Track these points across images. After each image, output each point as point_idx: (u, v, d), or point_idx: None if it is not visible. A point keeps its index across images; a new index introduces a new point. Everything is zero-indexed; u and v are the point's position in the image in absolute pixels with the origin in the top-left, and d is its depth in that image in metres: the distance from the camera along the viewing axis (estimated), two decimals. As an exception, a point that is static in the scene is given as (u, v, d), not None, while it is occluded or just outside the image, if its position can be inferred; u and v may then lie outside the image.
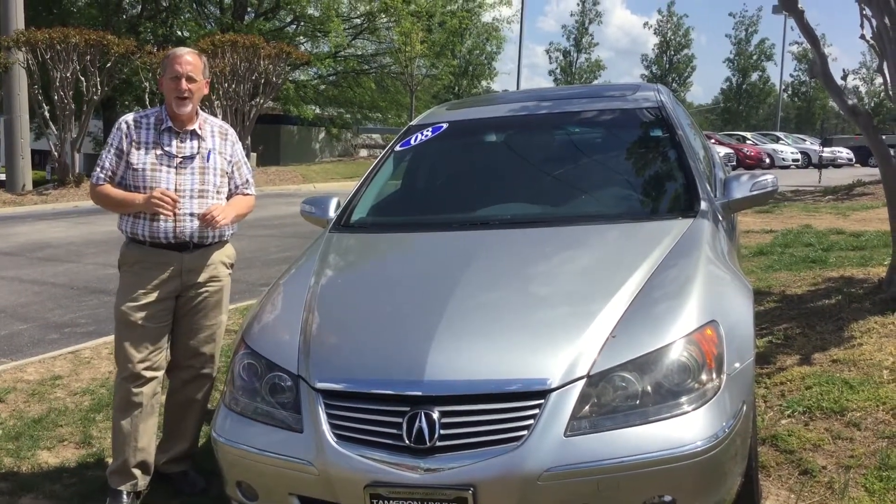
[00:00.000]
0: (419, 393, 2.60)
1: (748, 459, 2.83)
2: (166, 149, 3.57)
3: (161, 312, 3.61)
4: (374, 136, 40.61)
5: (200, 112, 3.72)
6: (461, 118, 4.87)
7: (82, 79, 19.54)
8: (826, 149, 32.10)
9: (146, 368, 3.59)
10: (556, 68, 59.40)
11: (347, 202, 4.27)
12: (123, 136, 3.58)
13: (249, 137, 22.95)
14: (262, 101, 23.50)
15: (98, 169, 3.59)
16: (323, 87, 35.61)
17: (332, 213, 4.25)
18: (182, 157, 3.60)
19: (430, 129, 4.56)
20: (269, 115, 30.84)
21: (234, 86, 21.70)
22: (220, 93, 21.31)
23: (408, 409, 2.59)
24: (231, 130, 3.83)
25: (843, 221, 11.06)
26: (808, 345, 4.94)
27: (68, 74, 19.13)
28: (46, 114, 19.70)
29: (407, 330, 2.92)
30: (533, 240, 3.59)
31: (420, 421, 2.55)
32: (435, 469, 2.51)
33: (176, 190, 3.56)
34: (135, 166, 3.54)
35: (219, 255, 3.73)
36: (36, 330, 6.73)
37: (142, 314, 3.55)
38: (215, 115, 3.52)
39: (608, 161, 4.34)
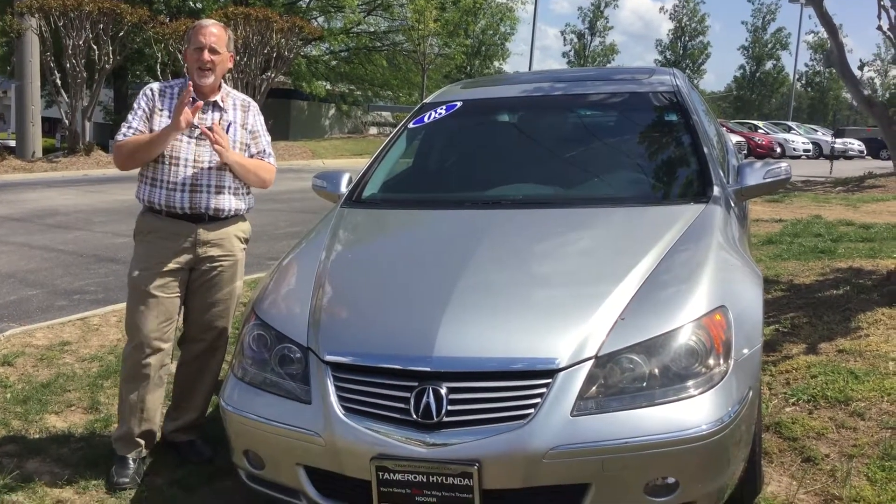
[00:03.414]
0: (428, 368, 2.61)
1: (752, 445, 2.84)
2: None
3: (174, 283, 3.61)
4: (385, 113, 40.45)
5: (224, 85, 3.71)
6: (475, 97, 4.85)
7: (94, 47, 19.52)
8: (838, 140, 32.00)
9: (156, 339, 3.60)
10: (570, 50, 59.04)
11: (359, 178, 4.26)
12: (148, 101, 3.59)
13: (260, 111, 22.92)
14: (273, 75, 23.44)
15: (124, 128, 3.56)
16: (334, 62, 35.42)
17: (343, 188, 4.25)
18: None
19: (444, 107, 4.54)
20: (280, 89, 30.74)
21: (245, 59, 21.64)
22: (232, 66, 21.23)
23: (416, 384, 2.61)
24: (253, 104, 3.80)
25: (852, 213, 11.02)
26: (814, 334, 4.94)
27: (80, 42, 19.11)
28: (58, 81, 19.68)
29: (417, 306, 2.93)
30: (544, 221, 3.59)
31: (428, 396, 2.57)
32: (441, 444, 2.53)
33: (194, 161, 3.56)
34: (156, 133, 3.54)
35: (234, 230, 3.72)
36: (45, 296, 6.76)
37: (155, 284, 3.56)
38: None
39: (622, 144, 4.32)
